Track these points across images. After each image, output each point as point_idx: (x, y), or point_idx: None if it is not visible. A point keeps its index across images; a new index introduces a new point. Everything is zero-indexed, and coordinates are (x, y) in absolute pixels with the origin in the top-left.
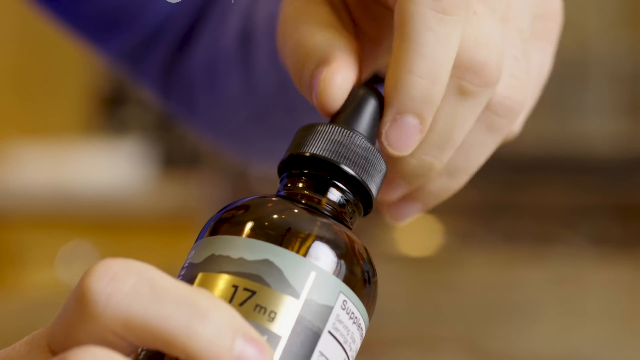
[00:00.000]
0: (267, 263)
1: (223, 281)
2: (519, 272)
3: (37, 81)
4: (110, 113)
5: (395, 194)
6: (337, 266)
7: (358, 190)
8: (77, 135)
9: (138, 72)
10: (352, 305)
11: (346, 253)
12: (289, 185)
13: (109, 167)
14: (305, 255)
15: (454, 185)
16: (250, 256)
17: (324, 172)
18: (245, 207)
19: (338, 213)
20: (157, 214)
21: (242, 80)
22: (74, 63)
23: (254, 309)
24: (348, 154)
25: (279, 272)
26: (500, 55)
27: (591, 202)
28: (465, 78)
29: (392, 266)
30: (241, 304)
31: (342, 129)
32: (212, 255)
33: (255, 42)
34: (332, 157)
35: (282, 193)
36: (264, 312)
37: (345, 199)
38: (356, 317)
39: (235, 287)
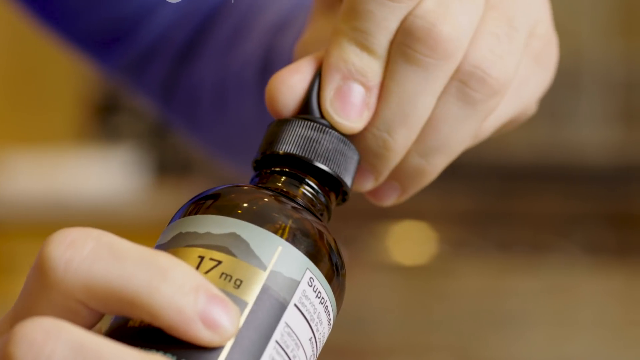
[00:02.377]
0: (234, 236)
1: (189, 253)
2: (512, 281)
3: (30, 90)
4: (103, 121)
5: (366, 182)
6: (304, 245)
7: (333, 185)
8: (70, 144)
9: (138, 84)
10: (320, 285)
11: (314, 236)
12: (262, 179)
13: (102, 176)
14: (273, 231)
15: (429, 166)
16: (217, 230)
17: (297, 169)
18: (216, 193)
19: (309, 205)
20: (150, 222)
21: (258, 107)
22: (67, 71)
23: (220, 277)
24: (320, 150)
25: (245, 244)
26: (460, 28)
27: (585, 210)
28: (410, 45)
29: (385, 275)
30: (207, 272)
31: (313, 123)
32: (179, 234)
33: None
34: (305, 155)
35: (255, 182)
36: (230, 280)
37: (314, 194)
38: (323, 298)
39: (202, 257)
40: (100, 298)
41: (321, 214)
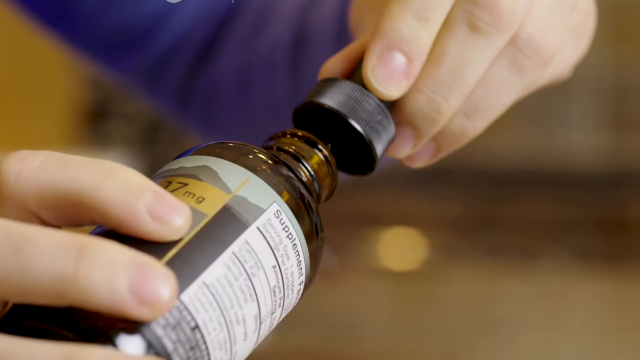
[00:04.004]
0: (204, 167)
1: (159, 181)
2: (502, 286)
3: (21, 95)
4: (94, 127)
5: (405, 147)
6: (275, 182)
7: (363, 149)
8: (61, 150)
9: (152, 88)
10: (288, 221)
11: (287, 180)
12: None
13: None
14: (244, 166)
15: (470, 127)
16: (189, 164)
17: (334, 124)
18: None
19: (299, 176)
20: None
21: (289, 86)
22: (57, 77)
23: (184, 194)
24: (358, 110)
25: (214, 173)
26: (520, 0)
27: (575, 216)
28: (474, 14)
29: (375, 281)
30: (172, 191)
31: (355, 85)
32: (156, 174)
33: (310, 46)
34: (343, 111)
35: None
36: (193, 196)
37: (310, 178)
38: (291, 234)
39: (170, 182)
40: (51, 204)
41: (309, 192)
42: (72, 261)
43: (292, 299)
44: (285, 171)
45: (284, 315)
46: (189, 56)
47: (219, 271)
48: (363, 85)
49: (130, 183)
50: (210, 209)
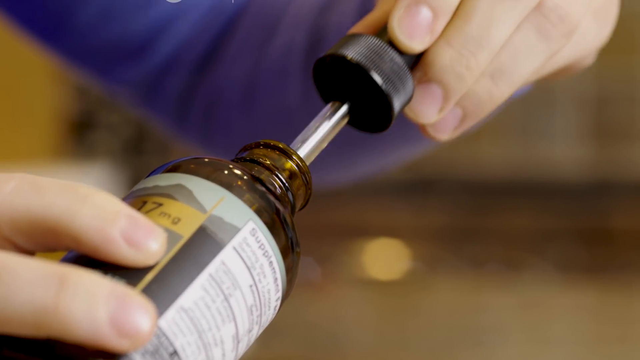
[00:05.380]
0: (179, 186)
1: (134, 201)
2: (486, 297)
3: (4, 106)
4: (79, 138)
5: (433, 108)
6: (251, 199)
7: (380, 105)
8: (46, 161)
9: (151, 100)
10: (264, 239)
11: (262, 195)
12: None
13: None
14: (219, 184)
15: (497, 91)
16: (164, 183)
17: (354, 78)
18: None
19: (271, 189)
20: None
21: (303, 92)
22: (41, 88)
23: (159, 215)
24: (380, 64)
25: (189, 192)
26: None
27: (558, 226)
28: None
29: (359, 292)
30: (147, 212)
31: (380, 40)
32: (131, 192)
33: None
34: (365, 63)
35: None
36: (169, 217)
37: (281, 186)
38: (267, 252)
39: (145, 202)
40: (26, 231)
41: (284, 205)
42: (52, 292)
43: (269, 315)
44: (260, 186)
45: (261, 331)
46: (190, 66)
47: (196, 294)
48: (386, 42)
49: (105, 208)
50: (186, 230)
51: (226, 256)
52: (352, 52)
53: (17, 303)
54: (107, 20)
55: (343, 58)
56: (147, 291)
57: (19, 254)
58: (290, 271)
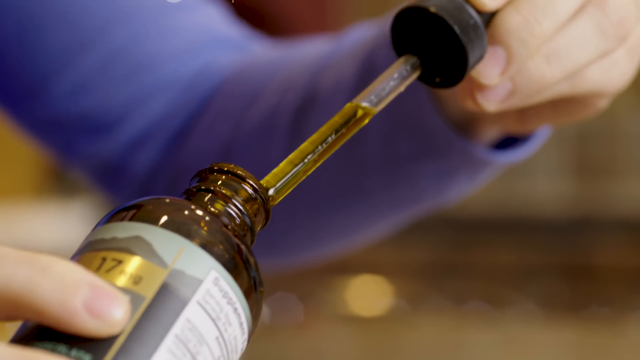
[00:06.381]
0: (137, 238)
1: (93, 257)
2: (468, 334)
3: None
4: (61, 175)
5: (495, 69)
6: (211, 247)
7: (454, 59)
8: (28, 198)
9: (111, 177)
10: (227, 286)
11: (222, 240)
12: (189, 197)
13: (61, 230)
14: (178, 232)
15: (548, 72)
16: (122, 234)
17: (430, 31)
18: (127, 205)
19: (230, 223)
20: None
21: (287, 148)
22: None
23: (120, 274)
24: (460, 18)
25: (148, 245)
26: None
27: (539, 262)
28: None
29: (341, 328)
30: (107, 271)
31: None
32: (89, 242)
33: (319, 106)
34: (444, 15)
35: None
36: (130, 277)
37: (239, 214)
38: (231, 299)
39: (104, 259)
40: None
41: (244, 235)
42: None
43: (236, 358)
44: (219, 225)
45: None
46: (160, 143)
47: (163, 358)
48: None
49: (66, 278)
50: (148, 290)
51: (191, 313)
52: (434, 5)
53: None
54: (81, 94)
55: (426, 10)
56: None
57: None
58: (254, 309)
